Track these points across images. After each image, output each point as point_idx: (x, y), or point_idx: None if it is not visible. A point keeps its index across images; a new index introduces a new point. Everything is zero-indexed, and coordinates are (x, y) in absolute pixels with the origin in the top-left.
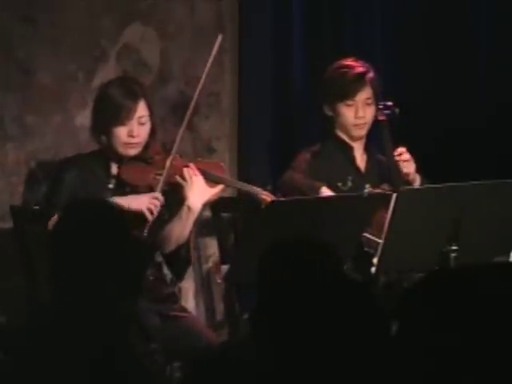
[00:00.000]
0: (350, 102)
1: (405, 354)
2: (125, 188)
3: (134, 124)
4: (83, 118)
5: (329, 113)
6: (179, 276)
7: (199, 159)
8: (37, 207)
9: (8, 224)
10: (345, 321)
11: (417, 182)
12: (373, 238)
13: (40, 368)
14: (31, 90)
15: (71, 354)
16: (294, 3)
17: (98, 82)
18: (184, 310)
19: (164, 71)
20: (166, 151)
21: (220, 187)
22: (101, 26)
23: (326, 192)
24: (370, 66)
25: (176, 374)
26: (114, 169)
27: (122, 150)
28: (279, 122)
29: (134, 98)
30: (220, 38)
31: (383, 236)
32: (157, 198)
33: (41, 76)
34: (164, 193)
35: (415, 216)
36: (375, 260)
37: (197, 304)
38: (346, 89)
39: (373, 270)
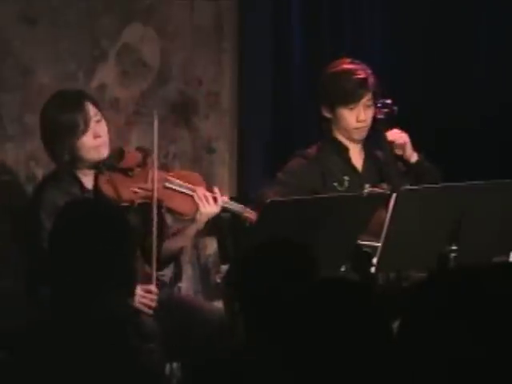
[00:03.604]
0: (352, 106)
1: (405, 355)
2: None
3: (94, 126)
4: None
5: (327, 115)
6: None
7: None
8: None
9: (7, 224)
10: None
11: (414, 158)
12: (369, 243)
13: (40, 368)
14: (31, 89)
15: (70, 353)
16: (293, 3)
17: (97, 81)
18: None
19: (164, 71)
20: (145, 162)
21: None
22: (100, 26)
23: None
24: (369, 69)
25: (176, 374)
26: (87, 182)
27: (91, 156)
28: (279, 122)
29: (77, 108)
30: None
31: (382, 236)
32: (151, 292)
33: (40, 75)
34: (142, 206)
35: (415, 216)
36: (375, 260)
37: None
38: (350, 94)
39: (373, 270)
